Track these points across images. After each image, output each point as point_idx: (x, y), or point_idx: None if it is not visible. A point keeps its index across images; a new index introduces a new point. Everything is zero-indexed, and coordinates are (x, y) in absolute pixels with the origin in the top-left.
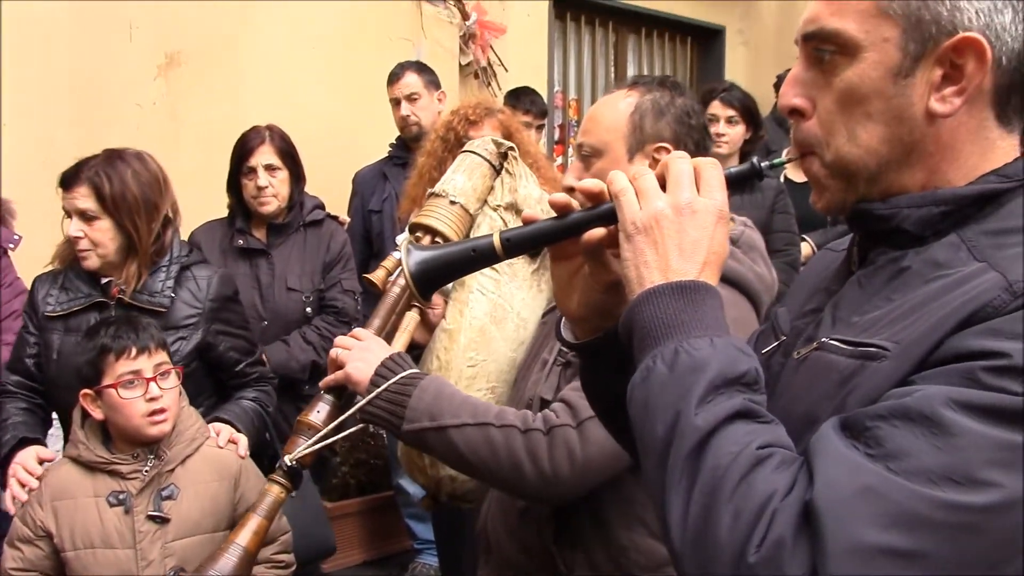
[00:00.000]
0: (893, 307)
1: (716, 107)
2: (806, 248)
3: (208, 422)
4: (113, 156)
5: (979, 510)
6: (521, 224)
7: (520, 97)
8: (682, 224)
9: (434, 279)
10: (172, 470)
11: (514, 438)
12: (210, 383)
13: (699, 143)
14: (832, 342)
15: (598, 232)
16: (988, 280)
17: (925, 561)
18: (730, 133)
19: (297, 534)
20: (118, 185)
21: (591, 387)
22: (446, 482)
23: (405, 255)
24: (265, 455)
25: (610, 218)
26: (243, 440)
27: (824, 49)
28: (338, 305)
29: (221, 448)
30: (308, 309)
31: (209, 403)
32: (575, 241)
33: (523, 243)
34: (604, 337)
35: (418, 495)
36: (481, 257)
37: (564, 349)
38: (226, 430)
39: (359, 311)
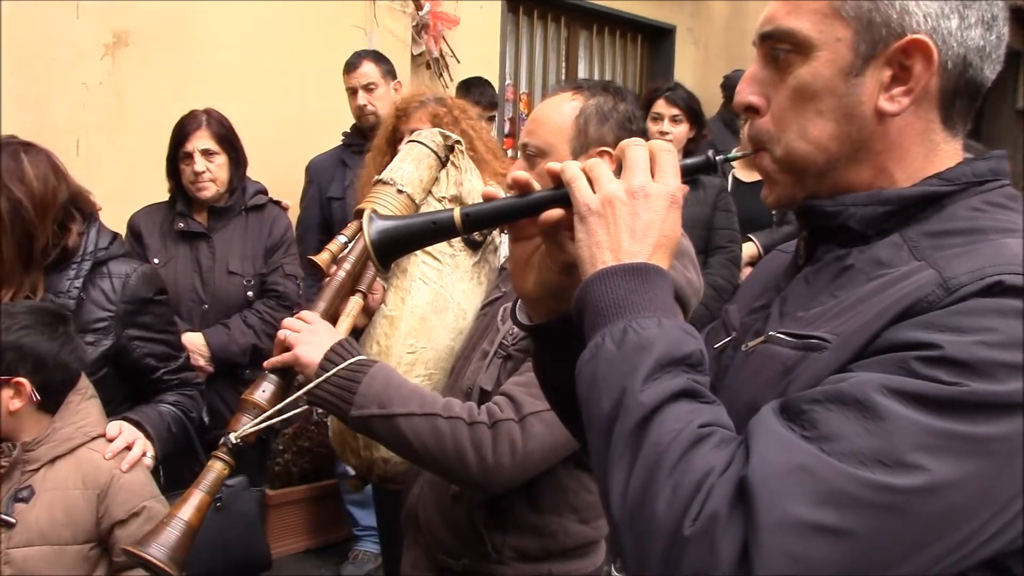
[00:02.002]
0: (836, 302)
1: (660, 106)
2: (751, 247)
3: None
4: None
5: (906, 492)
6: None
7: (470, 88)
8: (635, 207)
9: (393, 249)
10: (36, 470)
11: (460, 429)
12: (123, 390)
13: None
14: (778, 335)
15: (556, 213)
16: (925, 276)
17: (852, 538)
18: (674, 132)
19: (233, 546)
20: None
21: (543, 371)
22: (379, 464)
23: (367, 223)
24: (192, 464)
25: (569, 200)
26: (141, 444)
27: (779, 48)
28: (279, 289)
29: (109, 456)
30: (249, 293)
31: (122, 411)
32: (534, 222)
33: (482, 219)
34: (558, 321)
35: None
36: (441, 230)
37: (504, 342)
38: (127, 432)
39: (301, 296)
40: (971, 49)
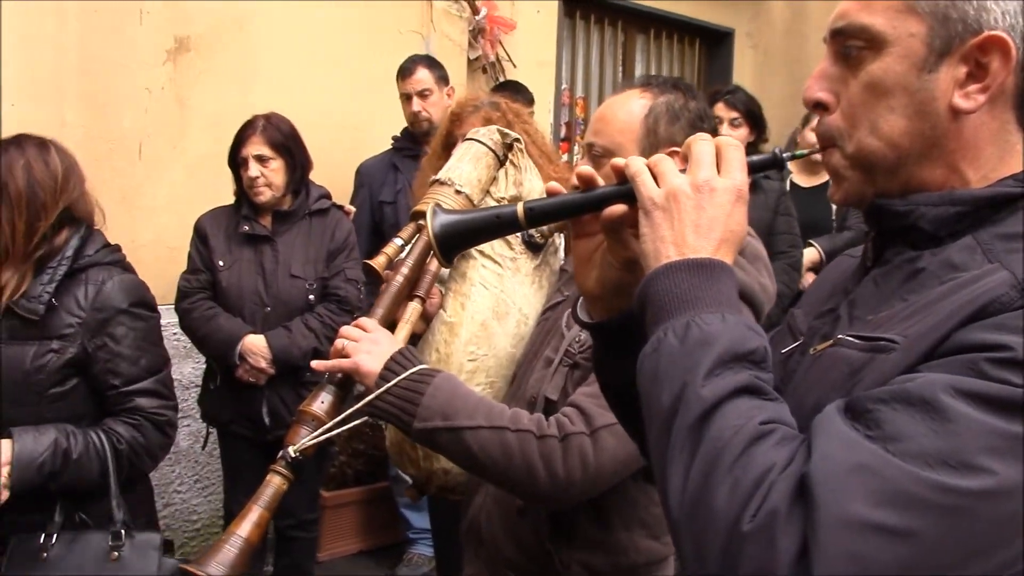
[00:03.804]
0: (906, 305)
1: (720, 109)
2: (813, 253)
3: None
4: (11, 143)
5: (971, 494)
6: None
7: (504, 90)
8: (700, 201)
9: (457, 242)
10: None
11: (529, 443)
12: (92, 407)
13: None
14: (847, 338)
15: (619, 208)
16: (998, 278)
17: (914, 539)
18: (733, 135)
19: None
20: (3, 175)
21: (603, 370)
22: (438, 475)
23: (431, 217)
24: (100, 506)
25: (633, 196)
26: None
27: (852, 45)
28: (341, 294)
29: None
30: (311, 297)
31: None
32: (597, 218)
33: (546, 214)
34: (620, 318)
35: None
36: (504, 224)
37: (570, 350)
38: None
39: (362, 300)
40: None
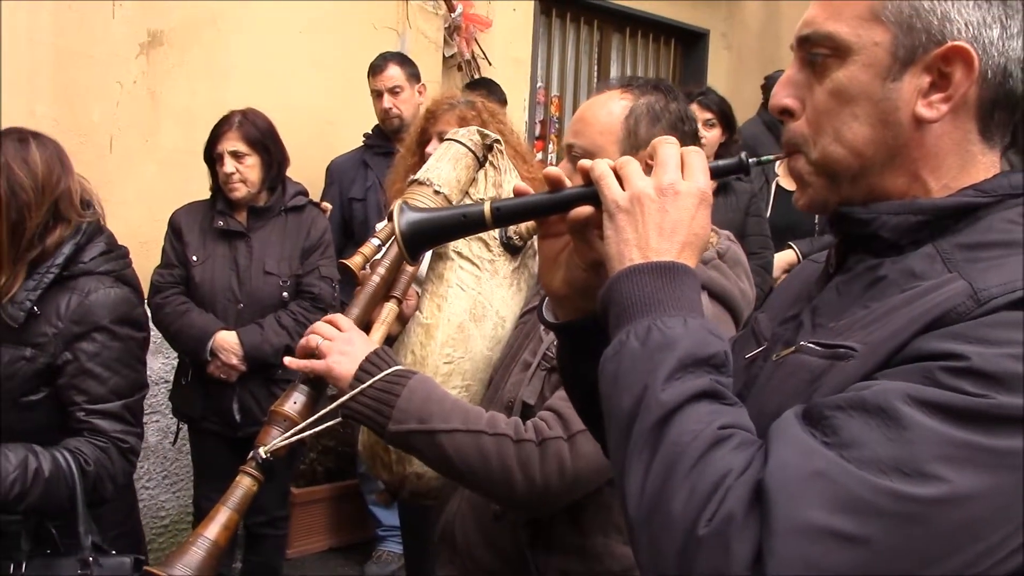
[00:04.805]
0: (867, 313)
1: (695, 110)
2: (791, 255)
3: None
4: None
5: (924, 502)
6: (512, 196)
7: (477, 88)
8: (663, 204)
9: (423, 240)
10: None
11: (506, 447)
12: (61, 421)
13: None
14: (809, 345)
15: (585, 209)
16: (956, 287)
17: (868, 546)
18: (707, 136)
19: None
20: None
21: (568, 370)
22: (411, 479)
23: (397, 214)
24: (67, 528)
25: (599, 197)
26: None
27: (817, 52)
28: (315, 291)
29: None
30: (285, 294)
31: (57, 441)
32: (563, 219)
33: (513, 214)
34: (584, 319)
35: None
36: (471, 223)
37: (548, 354)
38: None
39: (336, 298)
40: (1012, 60)
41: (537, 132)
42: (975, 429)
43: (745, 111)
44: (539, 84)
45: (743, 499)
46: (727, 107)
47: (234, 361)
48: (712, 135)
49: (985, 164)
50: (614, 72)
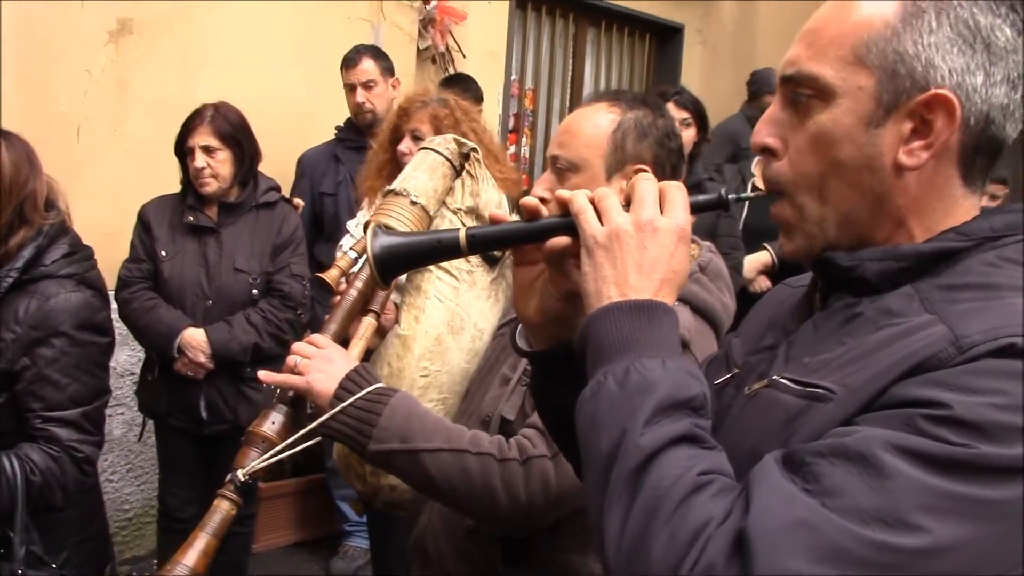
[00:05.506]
0: (844, 351)
1: (670, 110)
2: (766, 256)
3: None
4: None
5: (906, 552)
6: (488, 223)
7: (452, 85)
8: (642, 241)
9: (396, 265)
10: None
11: (490, 467)
12: (17, 426)
13: (676, 167)
14: (782, 380)
15: (562, 240)
16: (936, 333)
17: None
18: (683, 135)
19: None
20: None
21: (541, 397)
22: (385, 490)
23: (371, 239)
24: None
25: (576, 229)
26: None
27: (801, 92)
28: (285, 289)
29: None
30: (254, 291)
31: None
32: (539, 247)
33: (488, 242)
34: (558, 348)
35: None
36: (445, 250)
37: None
38: None
39: (306, 296)
40: (995, 107)
41: (511, 125)
42: (957, 479)
43: (719, 107)
44: (513, 77)
45: (724, 548)
46: (701, 107)
47: (201, 359)
48: (688, 134)
49: (966, 208)
50: (588, 65)
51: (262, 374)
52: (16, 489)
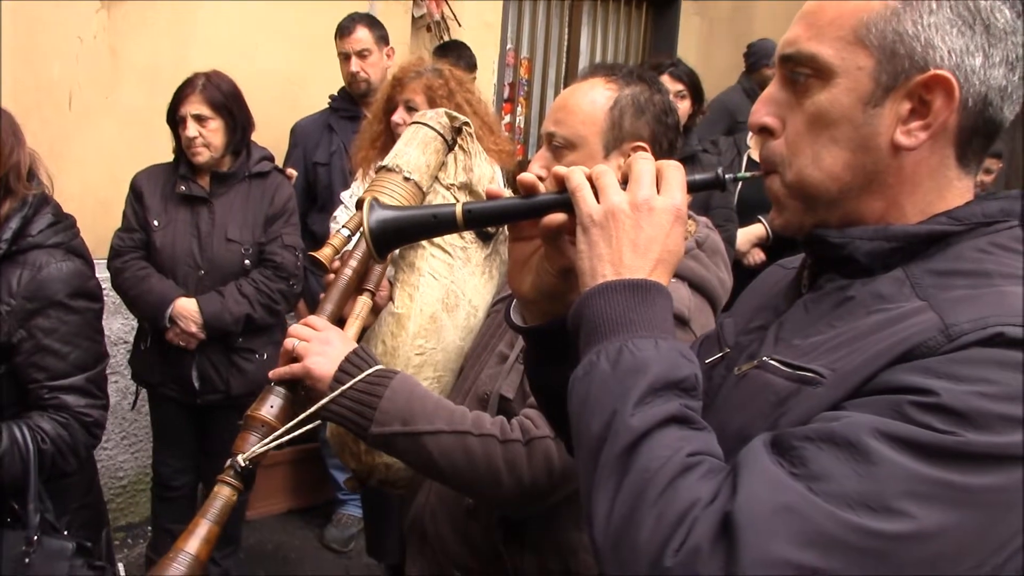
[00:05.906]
0: (834, 334)
1: (665, 81)
2: (760, 229)
3: None
4: None
5: (890, 538)
6: (482, 198)
7: (447, 53)
8: (638, 220)
9: (392, 239)
10: None
11: (493, 448)
12: (18, 397)
13: (672, 143)
14: (772, 362)
15: (559, 217)
16: (926, 320)
17: None
18: (679, 107)
19: None
20: None
21: (535, 372)
22: (380, 469)
23: (367, 213)
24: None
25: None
26: None
27: (799, 72)
28: (277, 260)
29: None
30: (247, 262)
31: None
32: (535, 223)
33: (485, 217)
34: (552, 324)
35: None
36: (441, 224)
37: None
38: None
39: (298, 267)
40: (993, 88)
41: (506, 95)
42: (942, 466)
43: (715, 79)
44: (508, 46)
45: (710, 530)
46: (696, 79)
47: (193, 329)
48: (683, 107)
49: (960, 190)
50: (584, 35)
51: (271, 373)
52: (29, 458)
